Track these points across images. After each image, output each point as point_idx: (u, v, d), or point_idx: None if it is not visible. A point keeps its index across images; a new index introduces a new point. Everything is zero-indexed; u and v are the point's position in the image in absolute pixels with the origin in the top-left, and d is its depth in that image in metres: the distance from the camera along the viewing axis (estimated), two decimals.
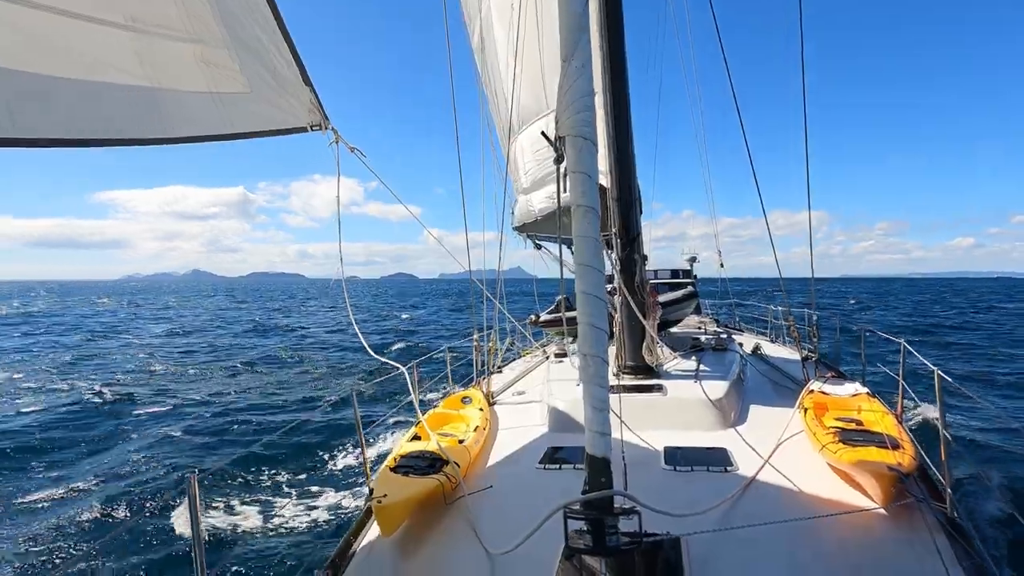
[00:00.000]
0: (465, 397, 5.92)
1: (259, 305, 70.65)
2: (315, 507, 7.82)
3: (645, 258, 6.38)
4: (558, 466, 3.97)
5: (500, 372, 8.23)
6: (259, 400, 14.78)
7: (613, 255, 6.08)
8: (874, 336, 6.62)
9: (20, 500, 8.23)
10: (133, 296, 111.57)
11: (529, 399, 6.28)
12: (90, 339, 31.23)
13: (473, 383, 6.76)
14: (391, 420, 10.77)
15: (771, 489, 3.43)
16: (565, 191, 2.39)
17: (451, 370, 7.05)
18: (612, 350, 6.06)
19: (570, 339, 10.88)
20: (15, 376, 19.05)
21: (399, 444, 4.11)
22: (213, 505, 7.72)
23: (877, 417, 4.09)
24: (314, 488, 8.49)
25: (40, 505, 8.08)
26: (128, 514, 7.61)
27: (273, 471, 9.18)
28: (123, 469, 9.45)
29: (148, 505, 7.85)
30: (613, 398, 2.43)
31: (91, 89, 2.57)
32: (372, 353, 4.50)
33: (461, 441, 4.28)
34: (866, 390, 4.82)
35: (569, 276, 2.86)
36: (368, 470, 3.88)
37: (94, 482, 8.83)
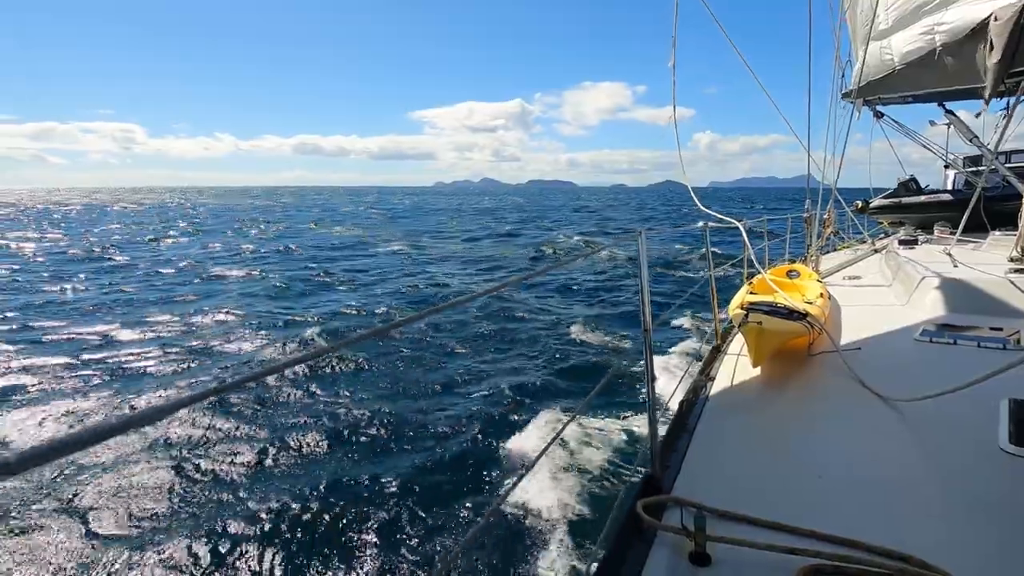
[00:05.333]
0: (791, 271, 5.41)
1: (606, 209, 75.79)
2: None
3: None
4: (952, 341, 3.34)
5: (818, 257, 7.38)
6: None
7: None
8: None
9: None
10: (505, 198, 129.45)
11: (872, 283, 5.61)
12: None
13: (799, 259, 6.17)
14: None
15: None
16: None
17: (768, 244, 6.46)
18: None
19: (914, 227, 8.96)
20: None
21: (736, 296, 3.93)
22: None
23: None
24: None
25: None
26: None
27: None
28: None
29: None
30: None
31: None
32: (705, 208, 4.34)
33: (808, 303, 3.90)
34: None
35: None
36: (716, 310, 3.81)
37: None
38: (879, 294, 5.15)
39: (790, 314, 3.18)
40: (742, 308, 3.18)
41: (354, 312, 12.37)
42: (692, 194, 5.38)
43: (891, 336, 3.70)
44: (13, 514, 4.88)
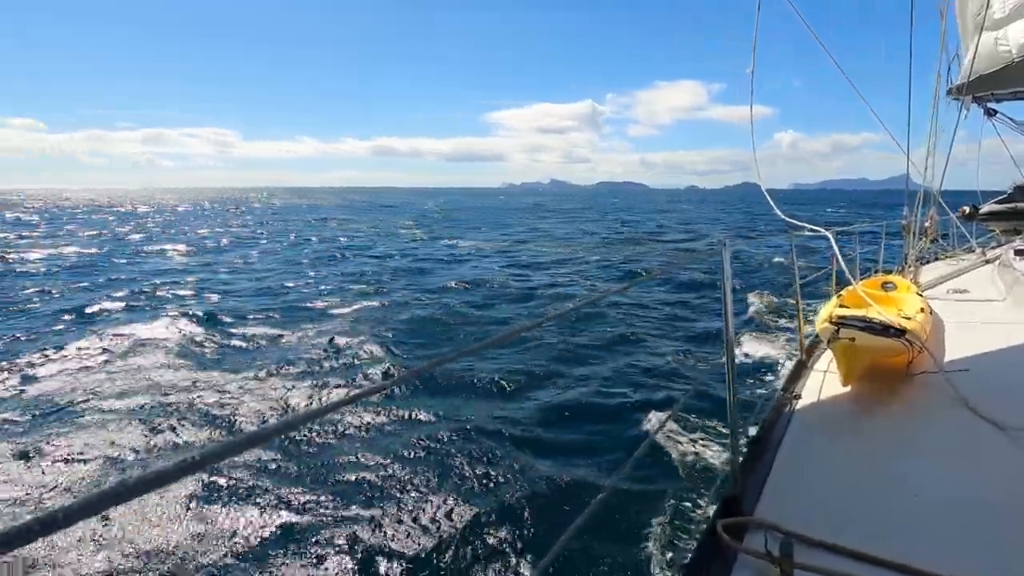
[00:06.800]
0: (886, 283, 5.05)
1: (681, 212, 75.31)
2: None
3: None
4: None
5: (917, 267, 6.82)
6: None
7: None
8: None
9: None
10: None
11: (982, 297, 5.13)
12: None
13: (895, 270, 5.73)
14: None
15: None
16: None
17: (860, 252, 6.05)
18: None
19: None
20: None
21: (824, 308, 3.71)
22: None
23: None
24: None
25: None
26: None
27: None
28: None
29: None
30: None
31: None
32: (786, 217, 4.14)
33: (906, 318, 3.62)
34: None
35: None
36: (802, 323, 3.63)
37: None
38: (990, 310, 4.73)
39: (886, 330, 2.96)
40: (831, 322, 2.99)
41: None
42: (769, 199, 5.08)
43: (1005, 357, 3.37)
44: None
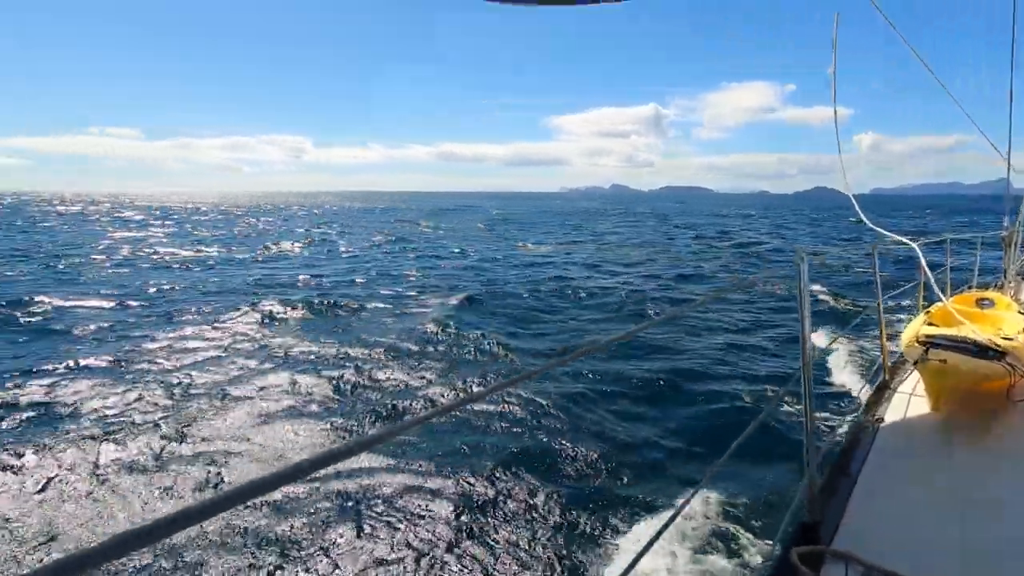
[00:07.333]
0: (983, 299, 4.65)
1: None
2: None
3: None
4: None
5: (1019, 283, 6.24)
6: None
7: None
8: None
9: None
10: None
11: None
12: None
13: (992, 286, 5.27)
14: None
15: None
16: None
17: (951, 265, 5.61)
18: None
19: None
20: None
21: (910, 326, 3.46)
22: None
23: None
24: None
25: None
26: None
27: None
28: None
29: None
30: None
31: None
32: (877, 229, 3.91)
33: (1006, 339, 3.32)
34: None
35: None
36: (885, 342, 3.40)
37: None
38: None
39: (984, 351, 2.73)
40: (919, 342, 2.79)
41: None
42: (856, 205, 4.78)
43: None
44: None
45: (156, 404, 7.78)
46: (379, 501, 5.36)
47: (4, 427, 7.07)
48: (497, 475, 5.75)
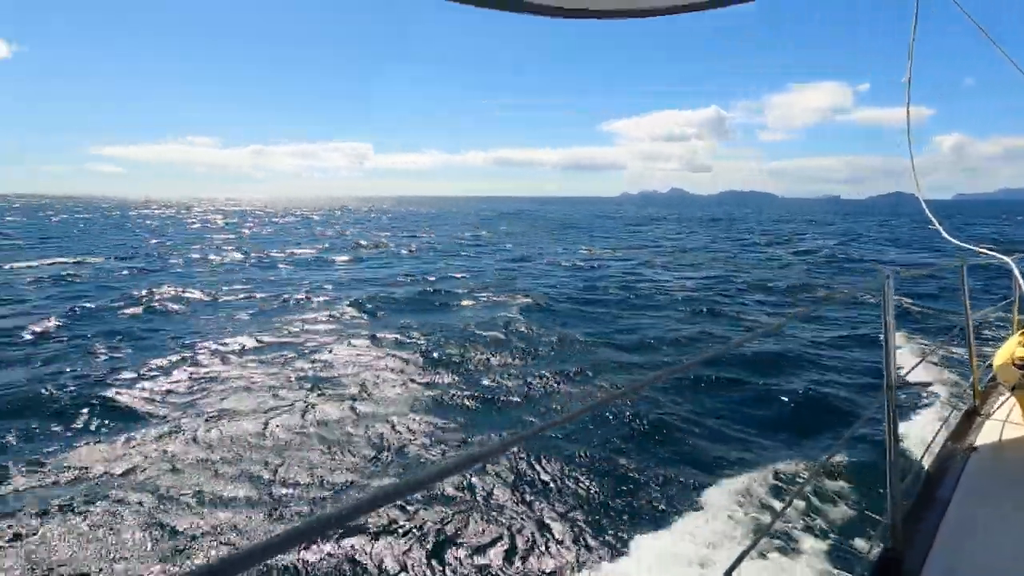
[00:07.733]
0: None
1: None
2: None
3: None
4: None
5: None
6: None
7: None
8: None
9: None
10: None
11: None
12: None
13: None
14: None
15: None
16: None
17: None
18: None
19: None
20: None
21: (1004, 347, 3.25)
22: None
23: None
24: None
25: None
26: None
27: None
28: None
29: None
30: None
31: None
32: (961, 244, 3.68)
33: None
34: None
35: None
36: (975, 365, 3.21)
37: None
38: None
39: None
40: (1016, 365, 2.63)
41: None
42: (931, 216, 4.36)
43: None
44: None
45: (304, 376, 9.64)
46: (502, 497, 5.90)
47: (183, 391, 8.89)
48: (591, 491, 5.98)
